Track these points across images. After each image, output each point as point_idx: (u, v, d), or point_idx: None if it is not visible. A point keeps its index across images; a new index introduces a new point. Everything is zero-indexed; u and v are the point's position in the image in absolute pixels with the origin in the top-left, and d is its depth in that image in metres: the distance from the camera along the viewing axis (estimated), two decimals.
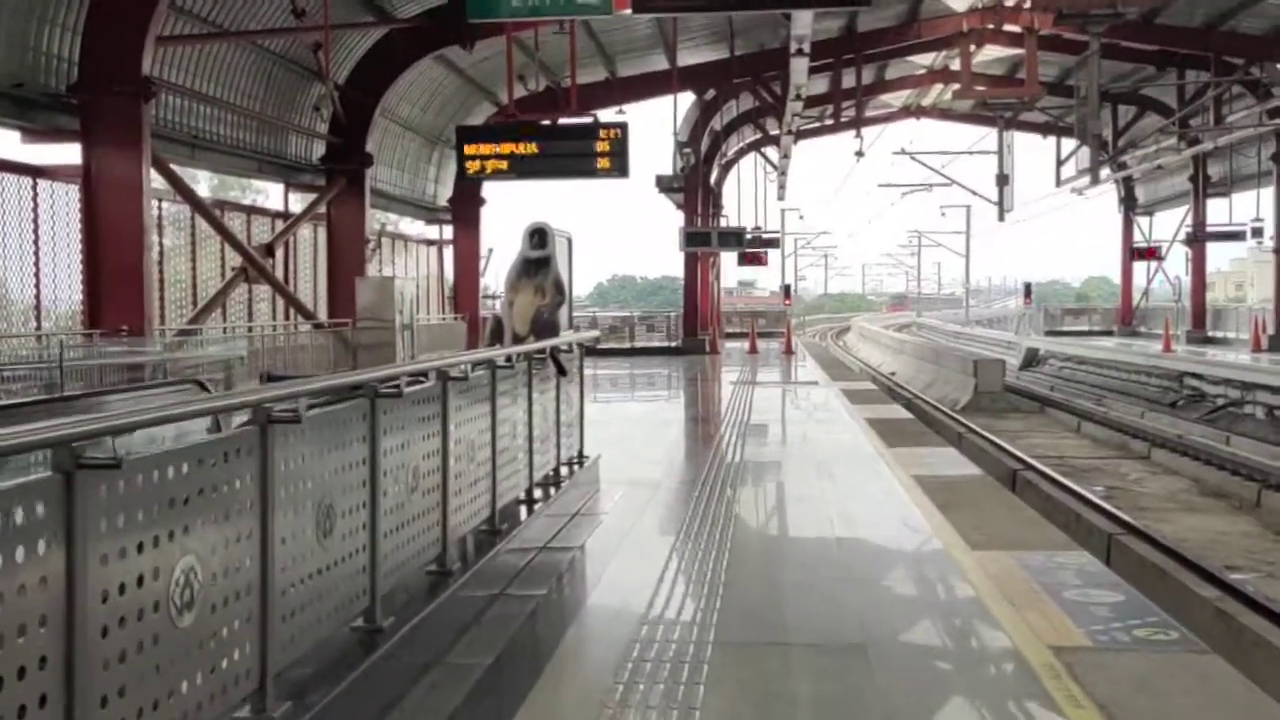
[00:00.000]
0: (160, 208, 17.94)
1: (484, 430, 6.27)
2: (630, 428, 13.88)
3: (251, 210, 21.75)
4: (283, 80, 20.80)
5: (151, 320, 15.00)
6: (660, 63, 28.78)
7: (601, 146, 14.00)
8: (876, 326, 56.83)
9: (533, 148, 14.05)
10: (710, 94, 32.15)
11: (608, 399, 19.39)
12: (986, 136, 39.07)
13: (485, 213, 31.13)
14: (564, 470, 8.60)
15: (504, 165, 14.14)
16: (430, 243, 30.72)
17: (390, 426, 4.70)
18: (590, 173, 14.16)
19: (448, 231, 31.20)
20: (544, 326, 7.90)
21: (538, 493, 7.65)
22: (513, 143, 13.99)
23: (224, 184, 35.63)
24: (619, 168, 14.01)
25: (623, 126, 14.37)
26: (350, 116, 22.02)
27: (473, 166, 14.14)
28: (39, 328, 15.19)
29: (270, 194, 27.25)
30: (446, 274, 31.47)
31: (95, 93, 14.52)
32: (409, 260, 29.93)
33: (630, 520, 8.10)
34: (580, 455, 9.17)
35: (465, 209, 30.61)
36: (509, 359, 6.42)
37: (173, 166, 17.24)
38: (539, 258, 8.00)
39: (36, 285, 15.19)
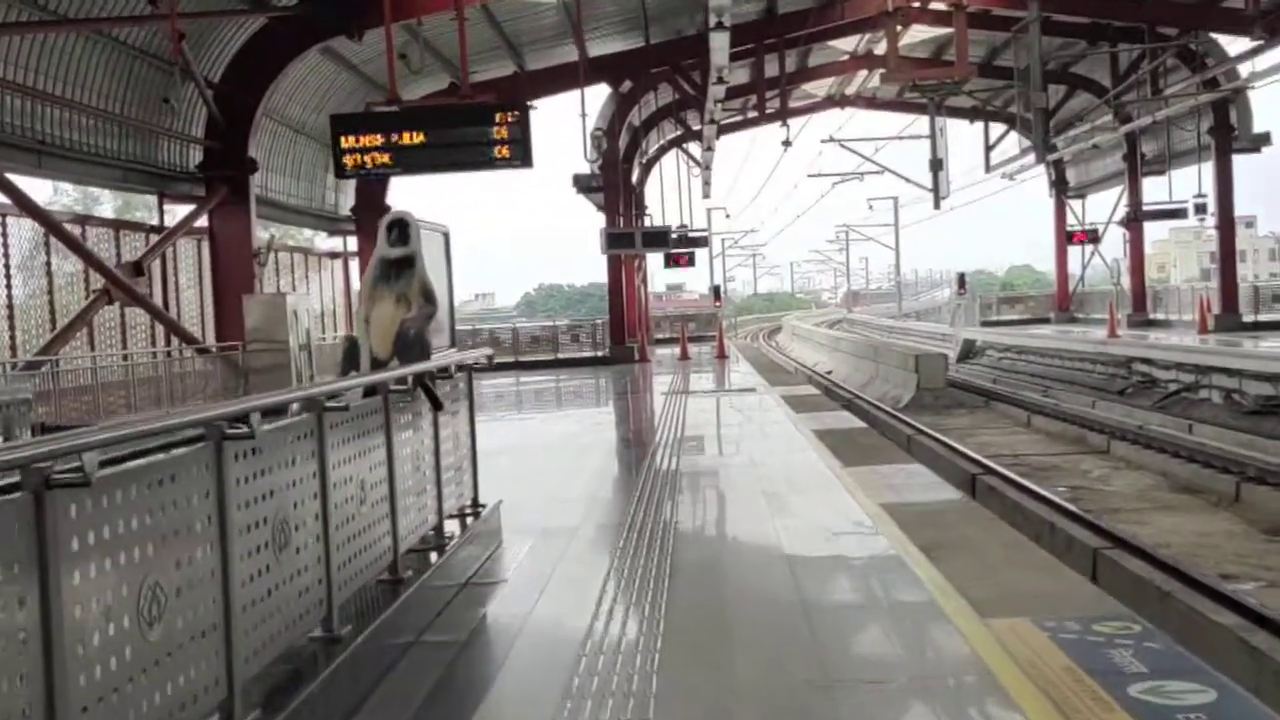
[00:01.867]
0: (3, 224, 15.77)
1: (309, 499, 4.44)
2: (546, 458, 12.06)
3: (120, 225, 19.52)
4: (147, 79, 18.65)
5: None
6: (572, 54, 26.97)
7: (499, 133, 12.16)
8: (809, 325, 55.60)
9: (419, 137, 12.16)
10: (627, 86, 30.51)
11: (523, 420, 17.56)
12: (915, 122, 37.92)
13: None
14: (452, 525, 6.80)
15: (387, 158, 12.24)
16: (334, 255, 28.59)
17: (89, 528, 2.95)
18: (487, 163, 12.30)
19: (352, 243, 29.15)
20: (410, 346, 6.07)
21: (410, 565, 5.84)
22: (395, 132, 12.10)
23: (89, 196, 33.09)
24: (519, 157, 12.18)
25: (522, 108, 12.50)
26: (229, 118, 19.91)
27: (350, 161, 12.22)
28: None
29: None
30: (354, 288, 29.39)
31: None
32: (311, 275, 27.82)
33: (535, 589, 6.30)
34: (475, 504, 7.36)
35: (370, 217, 28.47)
36: (332, 396, 4.58)
37: (10, 176, 15.06)
38: (400, 257, 6.17)
39: None
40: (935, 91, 29.99)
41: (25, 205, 14.73)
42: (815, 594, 5.88)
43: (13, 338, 16.02)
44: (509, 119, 12.22)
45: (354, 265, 29.36)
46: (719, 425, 14.90)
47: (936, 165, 29.51)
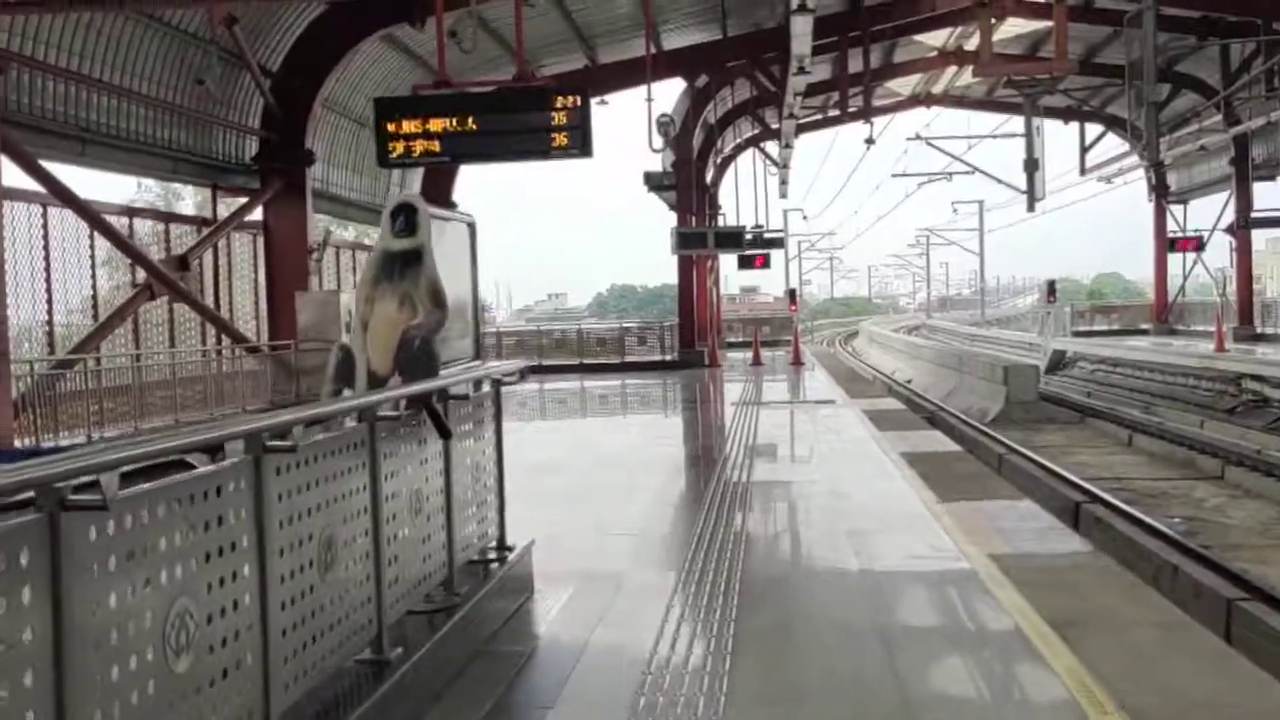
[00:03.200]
0: (44, 214, 15.00)
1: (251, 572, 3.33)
2: (600, 475, 10.87)
3: (170, 218, 18.76)
4: (202, 67, 17.84)
5: (4, 351, 12.03)
6: (649, 47, 25.85)
7: (557, 119, 10.99)
8: (887, 331, 53.86)
9: (470, 123, 11.04)
10: (702, 80, 29.30)
11: (580, 429, 16.41)
12: (1006, 122, 36.18)
13: None
14: (471, 574, 5.66)
15: (435, 146, 11.15)
16: None
17: None
18: (543, 152, 11.13)
19: None
20: (414, 359, 4.92)
21: (407, 632, 4.70)
22: (444, 117, 11.00)
23: (172, 192, 32.64)
24: (579, 145, 11.01)
25: (582, 93, 11.33)
26: (286, 109, 19.10)
27: (395, 148, 11.15)
28: None
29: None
30: None
31: None
32: None
33: (566, 662, 5.11)
34: (500, 546, 6.18)
35: None
36: (282, 436, 3.45)
37: (52, 165, 14.26)
38: (406, 250, 5.04)
39: None
40: (1031, 88, 28.27)
41: (62, 195, 13.94)
42: (919, 686, 4.60)
43: (51, 333, 15.27)
44: (568, 104, 11.07)
45: None
46: (795, 443, 13.61)
47: (1032, 165, 27.77)
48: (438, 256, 5.47)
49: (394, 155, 11.21)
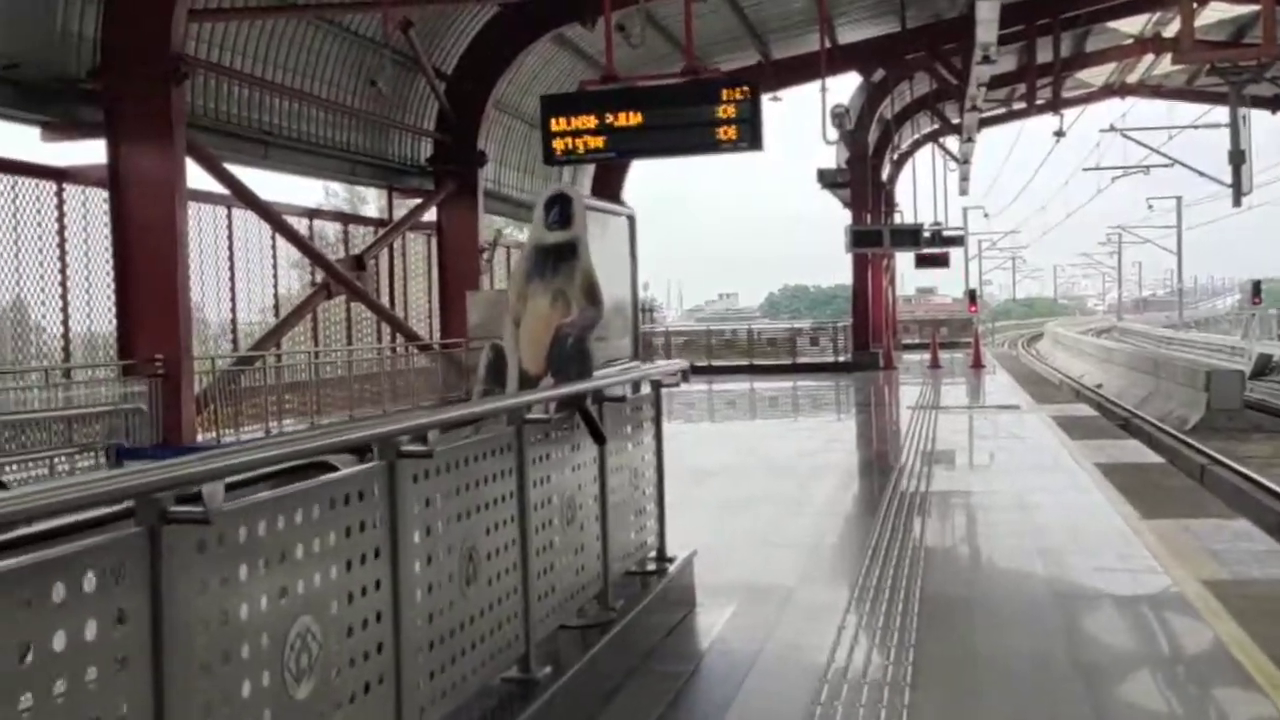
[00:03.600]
0: (230, 215, 15.49)
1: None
2: (768, 482, 10.44)
3: (349, 219, 19.21)
4: (375, 69, 18.17)
5: (188, 349, 12.39)
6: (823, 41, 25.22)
7: (725, 112, 10.61)
8: (1074, 333, 51.47)
9: (636, 118, 10.77)
10: (879, 74, 28.46)
11: (748, 433, 15.98)
12: (1209, 113, 33.98)
13: None
14: (628, 586, 5.36)
15: (600, 142, 10.93)
16: None
17: None
18: (711, 145, 10.76)
19: None
20: (567, 359, 4.63)
21: (559, 649, 4.43)
22: (610, 112, 10.78)
23: (357, 196, 33.54)
24: (748, 138, 10.60)
25: (753, 84, 10.92)
26: (459, 111, 19.33)
27: (560, 145, 10.98)
28: (66, 359, 12.77)
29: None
30: None
31: (118, 76, 12.02)
32: None
33: (731, 685, 4.75)
34: (660, 557, 5.85)
35: None
36: (423, 439, 3.19)
37: (236, 168, 14.70)
38: (560, 243, 4.75)
39: (64, 311, 12.77)
40: (1236, 76, 26.38)
41: (245, 196, 14.34)
42: None
43: (235, 331, 15.77)
44: (737, 96, 10.67)
45: None
46: (976, 451, 12.89)
47: (1238, 157, 25.85)
48: (596, 251, 5.17)
49: (560, 152, 11.04)
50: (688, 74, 11.49)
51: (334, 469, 3.30)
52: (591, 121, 10.94)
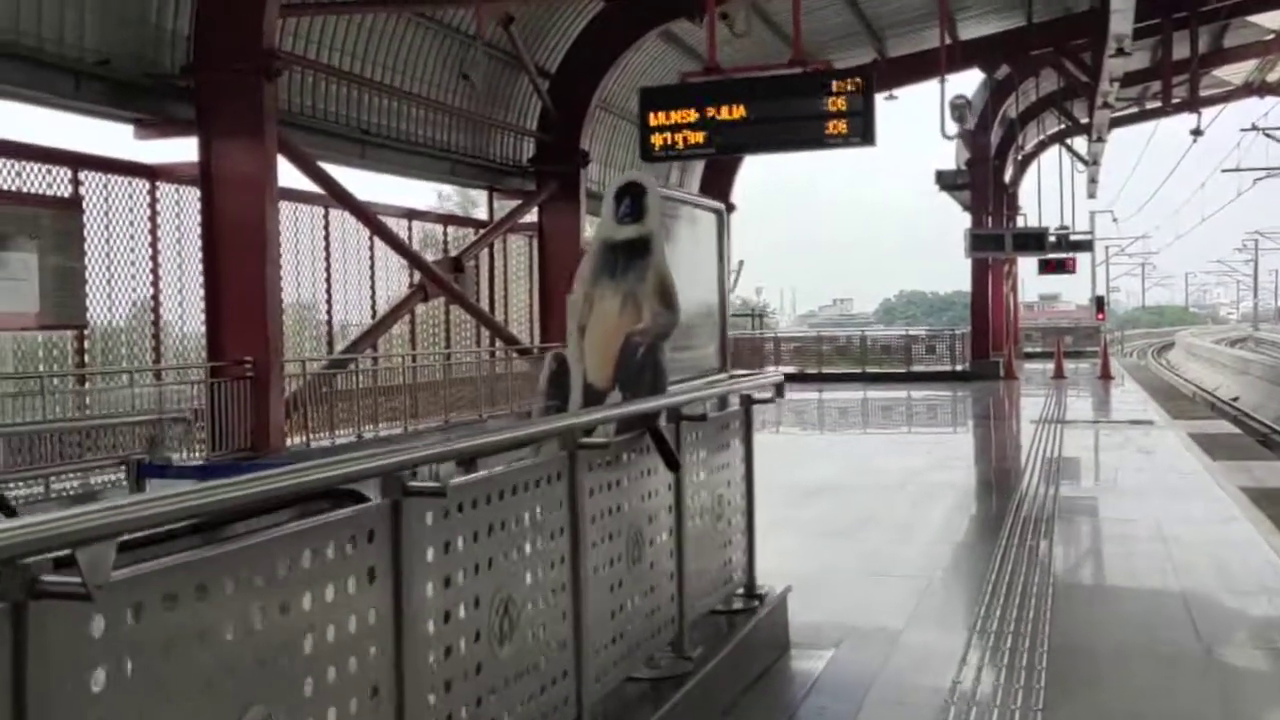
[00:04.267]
0: (326, 216, 15.26)
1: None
2: (876, 501, 9.64)
3: (450, 220, 18.90)
4: (470, 63, 17.83)
5: (278, 350, 12.11)
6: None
7: (834, 104, 9.84)
8: (1208, 343, 49.01)
9: (739, 111, 10.07)
10: (1003, 71, 27.25)
11: (857, 446, 15.13)
12: None
13: (735, 220, 27.64)
14: (710, 627, 4.72)
15: (700, 137, 10.27)
16: None
17: None
18: (818, 140, 9.99)
19: None
20: (637, 371, 4.01)
21: (635, 697, 3.84)
22: (712, 106, 10.11)
23: (469, 199, 33.45)
24: (859, 132, 9.82)
25: (865, 74, 10.12)
26: (562, 110, 18.89)
27: (659, 141, 10.34)
28: (157, 360, 12.61)
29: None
30: None
31: (210, 72, 11.81)
32: None
33: None
34: (749, 593, 5.19)
35: None
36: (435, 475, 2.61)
37: (332, 167, 14.44)
38: (631, 240, 4.14)
39: (155, 311, 12.62)
40: None
41: (339, 195, 14.05)
42: None
43: (330, 332, 15.53)
44: (847, 87, 9.92)
45: None
46: (1107, 472, 11.88)
47: None
48: (681, 249, 4.56)
49: (658, 148, 10.43)
50: (795, 65, 10.77)
51: (364, 498, 2.75)
52: (692, 115, 10.30)
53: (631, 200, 4.18)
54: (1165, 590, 6.39)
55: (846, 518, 8.88)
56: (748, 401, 5.16)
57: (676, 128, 10.37)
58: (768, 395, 5.14)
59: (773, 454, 14.91)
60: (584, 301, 4.25)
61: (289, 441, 12.54)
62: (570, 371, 4.25)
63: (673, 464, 4.06)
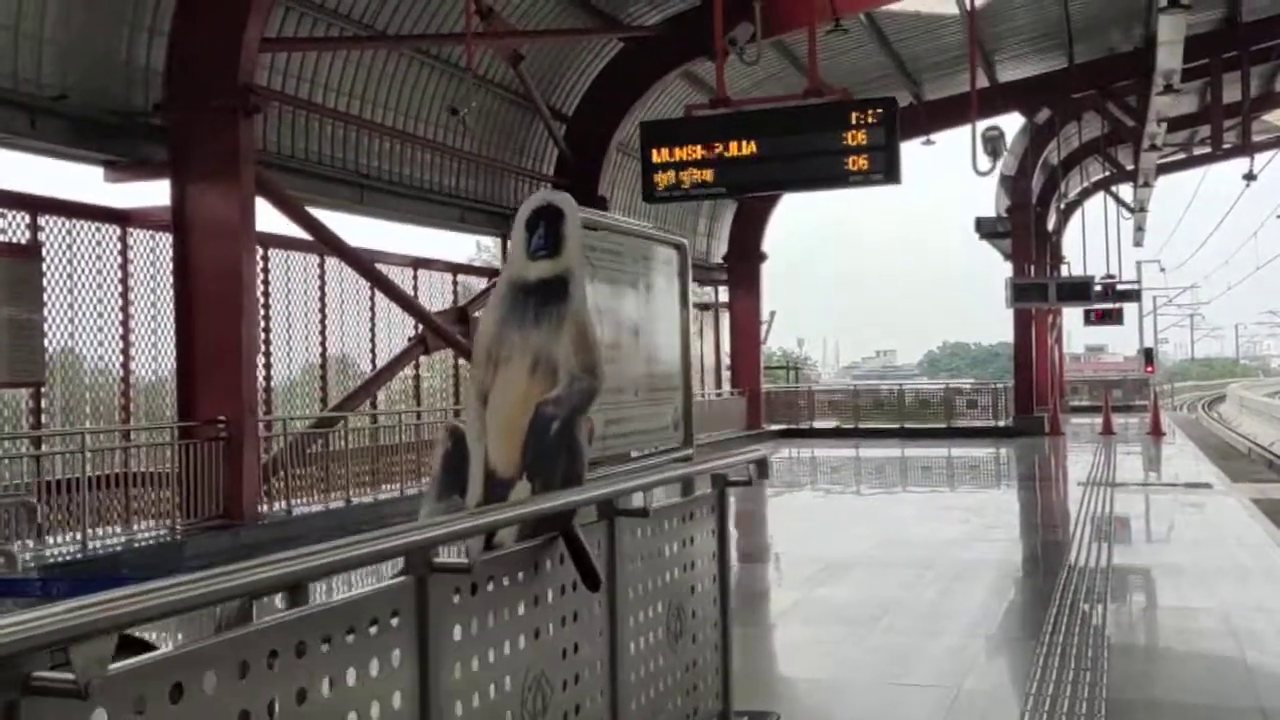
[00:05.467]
0: (322, 263, 14.42)
1: None
2: (902, 583, 8.48)
3: (459, 269, 18.04)
4: (493, 111, 17.05)
5: (252, 408, 11.19)
6: (979, 80, 23.20)
7: (854, 138, 8.83)
8: (1262, 396, 47.19)
9: (749, 146, 9.08)
10: (1043, 115, 26.19)
11: (886, 512, 13.97)
12: None
13: (767, 269, 26.79)
14: None
15: (708, 175, 9.27)
16: (704, 307, 26.21)
17: None
18: (838, 178, 8.93)
19: (723, 294, 26.83)
20: (547, 453, 3.01)
21: None
22: (719, 141, 9.13)
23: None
24: (883, 169, 8.78)
25: (888, 104, 9.09)
26: (579, 153, 18.07)
27: (662, 180, 9.35)
28: (127, 418, 11.73)
29: None
30: (722, 343, 26.96)
31: (184, 109, 11.03)
32: None
33: None
34: None
35: (743, 266, 26.28)
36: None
37: (327, 213, 13.62)
38: (547, 279, 3.16)
39: (125, 364, 11.78)
40: None
41: (327, 240, 13.19)
42: None
43: (325, 388, 14.61)
44: (869, 120, 8.93)
45: (724, 318, 26.98)
46: (1164, 546, 10.68)
47: None
48: (627, 295, 3.54)
49: (661, 188, 9.47)
50: (810, 96, 9.80)
51: None
52: (698, 152, 9.36)
53: (545, 226, 3.20)
54: (1241, 708, 5.24)
55: (871, 602, 7.76)
56: (721, 483, 4.12)
57: (682, 165, 9.43)
58: (745, 478, 4.09)
59: (798, 519, 13.87)
60: (486, 362, 3.25)
61: (268, 508, 11.62)
62: (470, 454, 3.23)
63: (592, 581, 3.02)
